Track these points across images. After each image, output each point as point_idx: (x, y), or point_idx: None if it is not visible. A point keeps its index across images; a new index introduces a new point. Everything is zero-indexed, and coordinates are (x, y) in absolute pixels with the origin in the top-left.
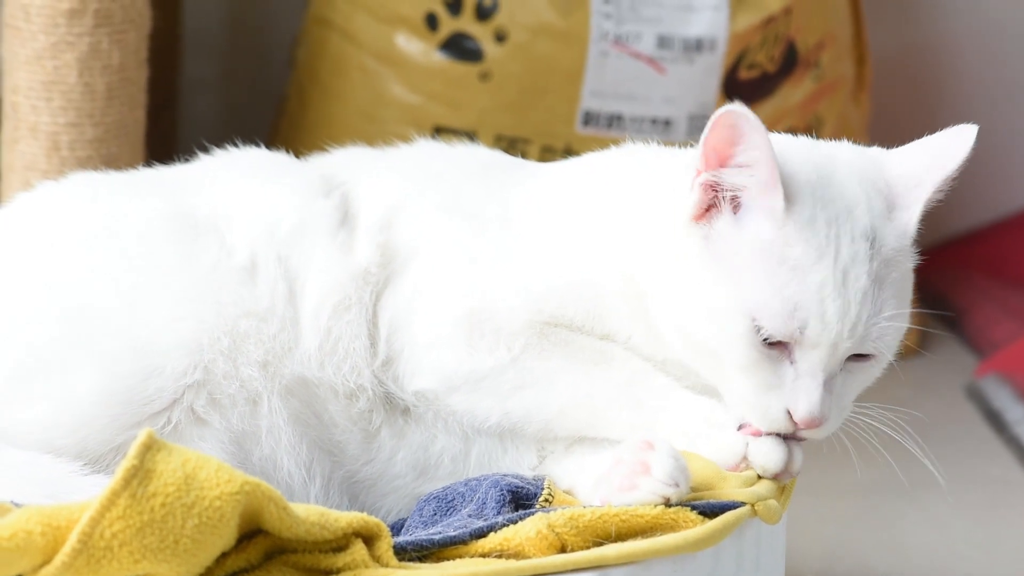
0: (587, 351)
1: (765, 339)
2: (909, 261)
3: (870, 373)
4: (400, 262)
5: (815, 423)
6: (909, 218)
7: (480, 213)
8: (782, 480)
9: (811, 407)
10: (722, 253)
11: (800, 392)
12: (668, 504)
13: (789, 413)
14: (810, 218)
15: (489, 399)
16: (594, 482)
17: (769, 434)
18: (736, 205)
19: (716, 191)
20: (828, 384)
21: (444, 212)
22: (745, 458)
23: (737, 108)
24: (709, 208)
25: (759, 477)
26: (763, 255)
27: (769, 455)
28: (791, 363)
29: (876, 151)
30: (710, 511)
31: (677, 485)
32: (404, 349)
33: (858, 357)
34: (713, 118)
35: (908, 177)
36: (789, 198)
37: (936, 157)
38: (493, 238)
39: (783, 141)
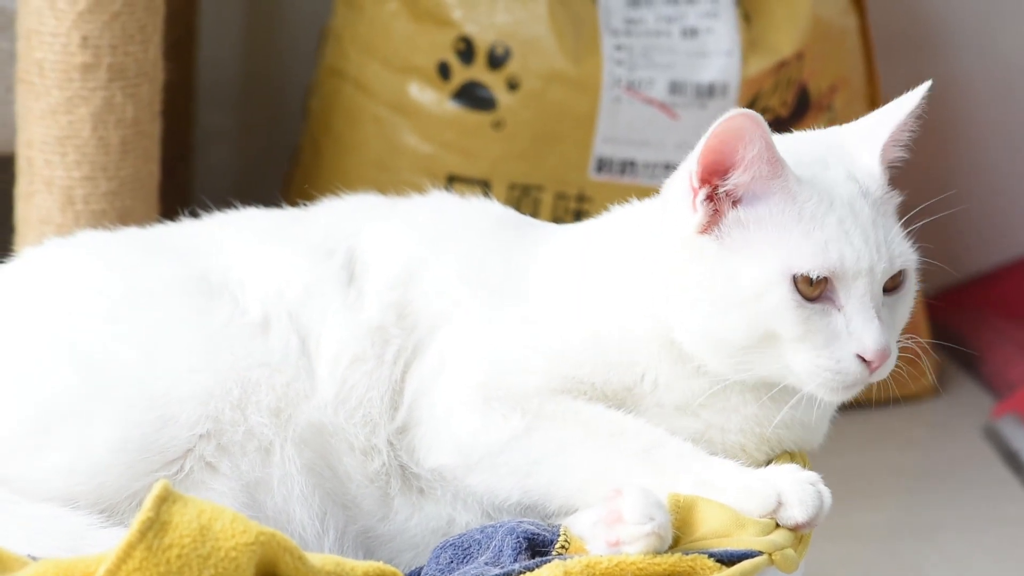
0: (602, 420)
1: (811, 283)
2: (892, 204)
3: (906, 303)
4: (425, 331)
5: (886, 353)
6: (871, 161)
7: (499, 283)
8: (803, 530)
9: (877, 338)
10: (739, 242)
11: (862, 331)
12: (662, 544)
13: (859, 357)
14: (809, 176)
15: (509, 478)
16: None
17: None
18: (736, 199)
19: (715, 199)
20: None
21: (465, 284)
22: (780, 505)
23: (738, 113)
24: (713, 217)
25: (777, 525)
26: (781, 221)
27: (805, 501)
28: (839, 311)
29: (829, 129)
30: (727, 559)
31: (652, 519)
32: (424, 419)
33: (890, 291)
34: (713, 131)
35: (863, 134)
36: None
37: (888, 113)
38: (512, 308)
39: None
